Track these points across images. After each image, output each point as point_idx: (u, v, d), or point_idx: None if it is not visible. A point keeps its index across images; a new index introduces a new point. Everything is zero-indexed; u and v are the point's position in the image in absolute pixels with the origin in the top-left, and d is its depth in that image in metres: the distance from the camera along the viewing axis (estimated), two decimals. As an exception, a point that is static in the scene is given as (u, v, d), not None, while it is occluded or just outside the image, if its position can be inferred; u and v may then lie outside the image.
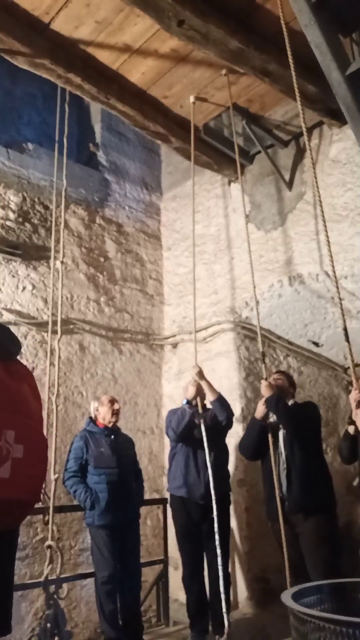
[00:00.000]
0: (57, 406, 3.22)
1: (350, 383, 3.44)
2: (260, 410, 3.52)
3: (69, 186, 4.30)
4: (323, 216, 2.75)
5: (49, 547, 2.77)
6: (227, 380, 4.54)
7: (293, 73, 2.72)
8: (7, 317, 4.26)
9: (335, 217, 4.05)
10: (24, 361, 4.07)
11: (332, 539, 3.29)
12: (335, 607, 1.73)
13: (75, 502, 3.66)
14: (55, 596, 2.67)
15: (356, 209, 3.97)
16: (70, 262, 4.81)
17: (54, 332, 3.45)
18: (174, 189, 5.70)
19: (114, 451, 3.69)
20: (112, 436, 3.77)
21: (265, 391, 3.51)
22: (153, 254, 5.58)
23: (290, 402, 3.59)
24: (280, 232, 4.54)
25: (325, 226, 2.71)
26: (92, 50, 3.75)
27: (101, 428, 3.78)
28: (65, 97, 4.00)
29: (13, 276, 4.41)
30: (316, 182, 2.89)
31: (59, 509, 3.74)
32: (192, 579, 3.67)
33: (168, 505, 4.02)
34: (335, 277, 2.80)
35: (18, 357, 2.67)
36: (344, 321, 2.56)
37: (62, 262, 3.68)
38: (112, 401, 3.86)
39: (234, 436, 4.04)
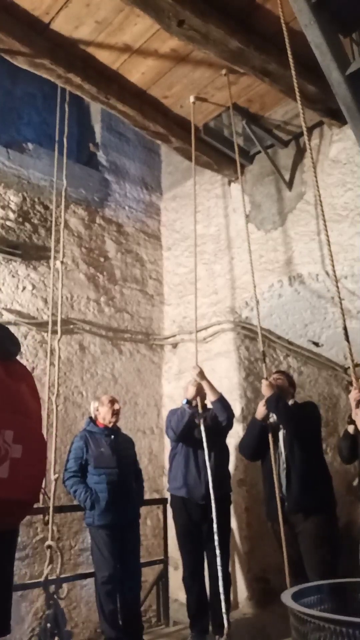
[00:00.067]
0: (57, 406, 3.22)
1: (350, 383, 3.43)
2: (260, 410, 3.52)
3: (69, 186, 4.30)
4: (323, 216, 2.75)
5: (49, 547, 2.78)
6: (227, 380, 4.54)
7: (293, 73, 2.72)
8: (7, 317, 4.26)
9: (335, 217, 4.05)
10: (24, 361, 4.08)
11: (332, 539, 3.29)
12: (335, 607, 1.73)
13: (75, 502, 3.66)
14: (55, 596, 2.67)
15: (356, 209, 3.97)
16: (70, 262, 4.81)
17: (54, 332, 3.45)
18: (174, 189, 5.70)
19: (114, 451, 3.69)
20: (112, 436, 3.77)
21: (265, 391, 3.51)
22: (153, 254, 5.58)
23: (290, 402, 3.59)
24: (280, 232, 4.54)
25: (325, 226, 2.71)
26: (92, 50, 3.75)
27: (101, 428, 3.78)
28: (65, 97, 4.00)
29: (13, 276, 4.41)
30: (316, 182, 2.89)
31: (59, 509, 3.74)
32: (192, 579, 3.66)
33: (168, 505, 4.02)
34: (335, 277, 2.80)
35: (18, 357, 2.67)
36: (344, 321, 2.56)
37: (62, 262, 3.68)
38: (112, 401, 3.86)
39: (234, 436, 4.04)
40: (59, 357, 3.30)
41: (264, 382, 3.55)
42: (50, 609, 2.63)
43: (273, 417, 3.52)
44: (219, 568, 3.33)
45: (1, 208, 4.50)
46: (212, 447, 3.59)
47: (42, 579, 2.74)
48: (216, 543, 3.32)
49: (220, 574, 3.33)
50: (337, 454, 4.08)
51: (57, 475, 3.02)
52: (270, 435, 3.42)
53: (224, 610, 3.26)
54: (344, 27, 2.72)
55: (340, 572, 3.00)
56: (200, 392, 3.76)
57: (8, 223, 4.49)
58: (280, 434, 3.49)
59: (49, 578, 2.72)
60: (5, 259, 4.38)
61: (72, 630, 3.82)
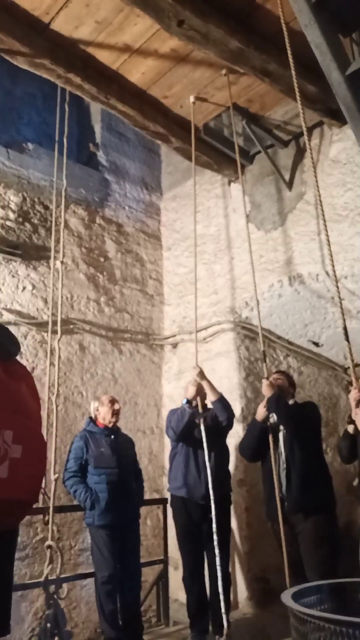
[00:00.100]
0: (57, 406, 3.22)
1: (350, 383, 3.43)
2: (260, 412, 3.52)
3: (69, 186, 4.30)
4: (323, 216, 2.75)
5: (49, 547, 2.78)
6: (227, 380, 4.54)
7: (293, 73, 2.72)
8: (7, 317, 4.26)
9: (335, 217, 4.05)
10: (24, 361, 4.08)
11: (331, 539, 3.29)
12: (335, 607, 1.72)
13: (75, 502, 3.65)
14: (55, 596, 2.67)
15: (356, 209, 3.97)
16: (70, 262, 4.81)
17: (54, 332, 3.45)
18: (174, 189, 5.70)
19: (114, 451, 3.69)
20: (112, 436, 3.77)
21: (266, 390, 3.51)
22: (153, 254, 5.58)
23: (290, 402, 3.59)
24: (280, 232, 4.54)
25: (325, 226, 2.71)
26: (92, 50, 3.75)
27: (101, 428, 3.78)
28: (65, 97, 4.00)
29: (13, 276, 4.41)
30: (316, 182, 2.89)
31: (59, 509, 3.75)
32: (192, 579, 3.66)
33: (168, 505, 4.02)
34: (335, 277, 2.80)
35: (18, 357, 2.68)
36: (344, 321, 2.56)
37: (62, 262, 3.68)
38: (113, 401, 3.86)
39: (234, 436, 4.04)
40: (59, 357, 3.30)
41: (264, 382, 3.55)
42: (50, 609, 2.64)
43: (273, 418, 3.52)
44: (219, 568, 3.33)
45: (1, 208, 4.50)
46: (212, 447, 3.59)
47: (42, 579, 2.75)
48: (215, 543, 3.32)
49: (219, 574, 3.33)
50: (337, 454, 4.07)
51: (57, 475, 3.02)
52: (270, 436, 3.42)
53: (223, 610, 3.26)
54: (344, 27, 2.73)
55: (340, 572, 2.99)
56: (200, 392, 3.76)
57: (8, 223, 4.49)
58: (281, 434, 3.48)
59: (49, 578, 2.72)
60: (5, 259, 4.38)
61: (72, 630, 3.81)
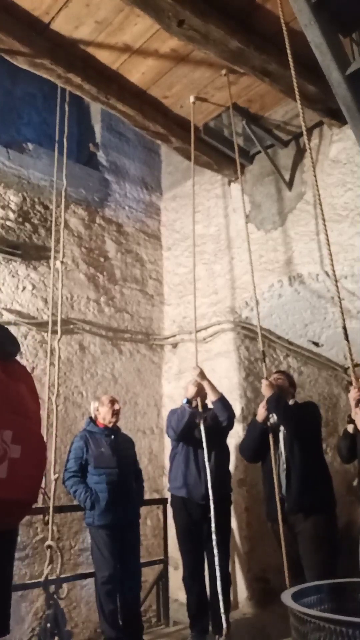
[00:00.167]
0: (57, 406, 3.22)
1: (350, 383, 3.43)
2: (261, 412, 3.52)
3: (69, 186, 4.30)
4: (323, 216, 2.75)
5: (49, 547, 2.78)
6: (227, 380, 4.54)
7: (293, 73, 2.72)
8: (7, 317, 4.26)
9: (335, 217, 4.05)
10: (24, 361, 4.08)
11: (331, 540, 3.28)
12: (335, 607, 1.72)
13: (75, 502, 3.65)
14: (55, 596, 2.67)
15: (356, 209, 3.97)
16: (70, 262, 4.82)
17: (54, 332, 3.45)
18: (174, 189, 5.70)
19: (114, 451, 3.69)
20: (112, 436, 3.77)
21: (266, 390, 3.51)
22: (153, 254, 5.58)
23: (290, 402, 3.58)
24: (280, 232, 4.54)
25: (325, 226, 2.71)
26: (92, 50, 3.75)
27: (101, 428, 3.78)
28: (65, 97, 4.00)
29: (13, 276, 4.41)
30: (316, 182, 2.89)
31: (59, 509, 3.75)
32: (192, 579, 3.66)
33: (168, 505, 4.02)
34: (335, 277, 2.80)
35: (18, 357, 2.68)
36: (344, 320, 2.56)
37: (62, 262, 3.68)
38: (113, 401, 3.86)
39: (234, 436, 4.04)
40: (59, 357, 3.30)
41: (264, 382, 3.54)
42: (50, 609, 2.64)
43: (273, 418, 3.52)
44: (217, 568, 3.33)
45: (1, 208, 4.50)
46: (212, 447, 3.59)
47: (42, 579, 2.75)
48: (214, 543, 3.32)
49: (219, 574, 3.33)
50: (337, 454, 4.07)
51: (57, 475, 3.01)
52: (270, 436, 3.42)
53: (222, 610, 3.26)
54: (344, 27, 2.73)
55: (339, 573, 2.99)
56: (200, 392, 3.76)
57: (8, 223, 4.49)
58: (281, 434, 3.48)
59: (49, 578, 2.72)
60: (5, 259, 4.38)
61: (72, 630, 3.82)
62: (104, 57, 3.81)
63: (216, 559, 3.31)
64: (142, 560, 3.93)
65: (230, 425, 3.85)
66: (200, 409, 3.73)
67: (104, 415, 3.80)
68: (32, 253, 4.56)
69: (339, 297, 2.70)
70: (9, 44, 3.45)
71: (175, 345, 5.23)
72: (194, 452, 3.73)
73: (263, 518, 3.72)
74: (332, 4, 2.53)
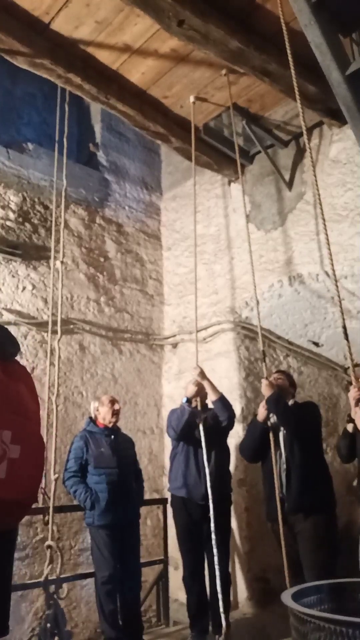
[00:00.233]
0: (57, 406, 3.22)
1: (350, 383, 3.43)
2: (261, 412, 3.52)
3: (69, 186, 4.30)
4: (323, 216, 2.75)
5: (49, 547, 2.78)
6: (227, 380, 4.54)
7: (293, 73, 2.72)
8: (7, 317, 4.26)
9: (335, 217, 4.05)
10: (23, 361, 4.08)
11: (330, 540, 3.28)
12: (335, 607, 1.72)
13: (75, 502, 3.65)
14: (55, 596, 2.67)
15: (356, 209, 3.97)
16: (70, 262, 4.82)
17: (54, 332, 3.45)
18: (174, 189, 5.70)
19: (114, 451, 3.69)
20: (112, 436, 3.77)
21: (265, 390, 3.51)
22: (153, 254, 5.58)
23: (290, 402, 3.58)
24: (280, 232, 4.55)
25: (325, 226, 2.71)
26: (92, 50, 3.75)
27: (101, 428, 3.78)
28: (65, 97, 4.00)
29: (13, 276, 4.41)
30: (316, 182, 2.89)
31: (59, 509, 3.75)
32: (192, 580, 3.66)
33: (168, 505, 4.02)
34: (335, 277, 2.80)
35: (18, 357, 2.68)
36: (344, 320, 2.56)
37: (62, 262, 3.68)
38: (113, 401, 3.86)
39: (234, 436, 4.04)
40: (59, 357, 3.30)
41: (264, 382, 3.54)
42: (50, 609, 2.64)
43: (273, 418, 3.52)
44: (217, 568, 3.33)
45: (1, 208, 4.50)
46: (212, 447, 3.59)
47: (42, 579, 2.75)
48: (214, 543, 3.32)
49: (218, 574, 3.33)
50: (337, 454, 4.07)
51: (57, 475, 3.01)
52: (270, 436, 3.42)
53: (222, 610, 3.26)
54: (344, 27, 2.73)
55: (339, 573, 2.99)
56: (201, 392, 3.76)
57: (8, 223, 4.49)
58: (281, 434, 3.48)
59: (49, 578, 2.72)
60: (5, 259, 4.38)
61: (72, 630, 3.82)
62: (104, 57, 3.81)
63: (216, 559, 3.31)
64: (142, 560, 3.92)
65: (230, 425, 3.84)
66: (200, 408, 3.73)
67: (104, 415, 3.80)
68: (32, 253, 4.56)
69: (339, 297, 2.70)
70: (9, 44, 3.45)
71: (175, 345, 5.23)
72: (194, 452, 3.73)
73: (263, 518, 3.72)
74: (332, 4, 2.53)
